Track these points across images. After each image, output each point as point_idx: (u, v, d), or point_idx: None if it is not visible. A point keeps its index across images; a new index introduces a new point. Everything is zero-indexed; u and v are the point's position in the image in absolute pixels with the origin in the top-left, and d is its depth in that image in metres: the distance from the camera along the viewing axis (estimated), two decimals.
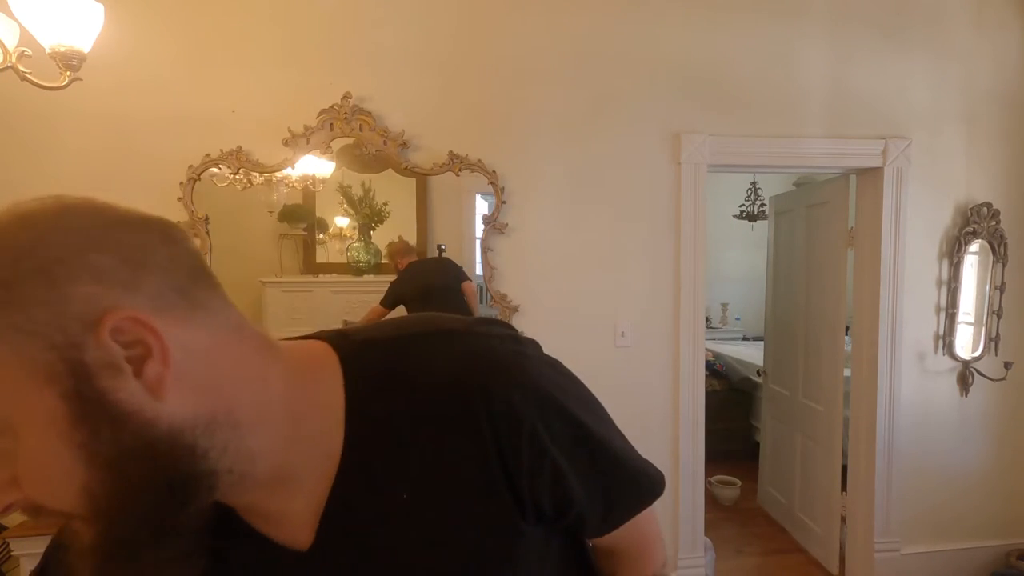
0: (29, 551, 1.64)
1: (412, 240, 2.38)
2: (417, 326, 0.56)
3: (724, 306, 5.77)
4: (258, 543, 0.49)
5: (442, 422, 0.50)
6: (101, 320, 0.37)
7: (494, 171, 2.25)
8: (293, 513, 0.49)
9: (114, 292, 0.38)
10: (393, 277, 2.35)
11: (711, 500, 3.30)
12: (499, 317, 2.30)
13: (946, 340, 2.61)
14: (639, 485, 0.67)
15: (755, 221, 5.16)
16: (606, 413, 0.63)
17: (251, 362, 0.46)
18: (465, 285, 2.35)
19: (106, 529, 0.40)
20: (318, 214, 2.34)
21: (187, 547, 0.43)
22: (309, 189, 2.23)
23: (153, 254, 0.41)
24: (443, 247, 2.39)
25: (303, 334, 0.55)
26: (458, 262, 2.39)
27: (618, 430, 0.66)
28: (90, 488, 0.38)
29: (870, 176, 2.59)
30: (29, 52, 1.33)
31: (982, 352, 2.63)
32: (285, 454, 0.46)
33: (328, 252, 2.38)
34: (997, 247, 2.59)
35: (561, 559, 0.64)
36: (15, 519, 1.72)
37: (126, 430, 0.38)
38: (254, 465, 0.45)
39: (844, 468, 2.76)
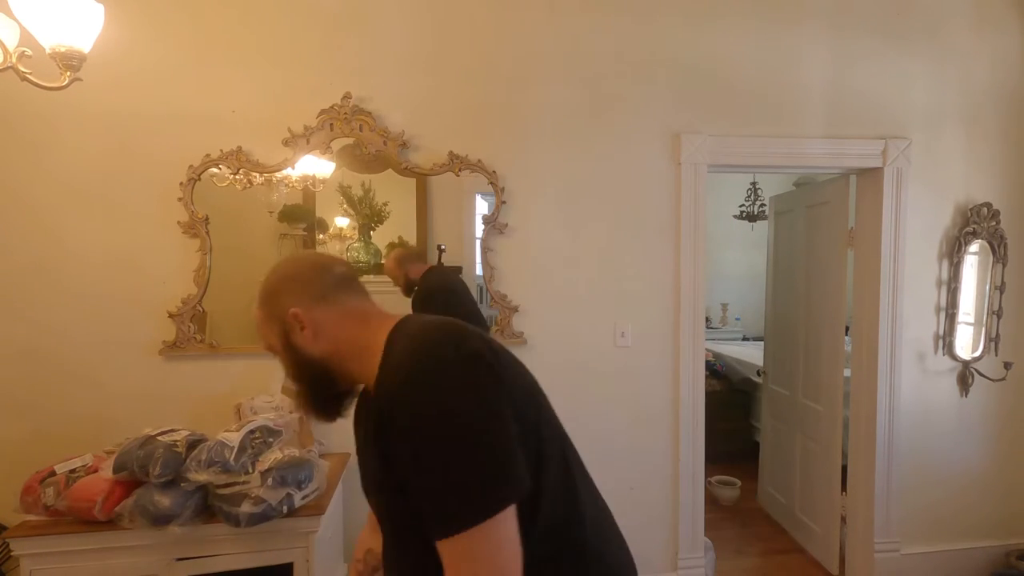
0: (29, 551, 1.65)
1: (412, 240, 2.38)
2: (422, 325, 0.91)
3: (724, 306, 5.77)
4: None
5: (378, 392, 0.87)
6: (289, 311, 0.94)
7: (494, 171, 2.25)
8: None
9: (294, 299, 0.95)
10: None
11: (711, 500, 3.30)
12: (499, 317, 2.31)
13: (946, 340, 2.61)
14: (445, 507, 0.75)
15: (755, 221, 5.16)
16: (477, 436, 0.77)
17: (352, 331, 0.96)
18: None
19: (302, 389, 1.00)
20: (318, 214, 2.34)
21: (333, 408, 1.01)
22: (309, 189, 2.23)
23: (313, 281, 0.97)
24: (443, 247, 2.39)
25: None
26: (458, 262, 2.39)
27: (481, 456, 0.76)
28: (295, 372, 0.98)
29: (870, 176, 2.59)
30: (29, 52, 1.33)
31: (982, 352, 2.63)
32: (361, 375, 0.96)
33: (328, 252, 2.37)
34: (997, 247, 2.59)
35: (427, 551, 0.79)
36: (15, 519, 1.72)
37: (300, 353, 0.96)
38: (352, 377, 0.98)
39: (844, 468, 2.76)
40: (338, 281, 0.99)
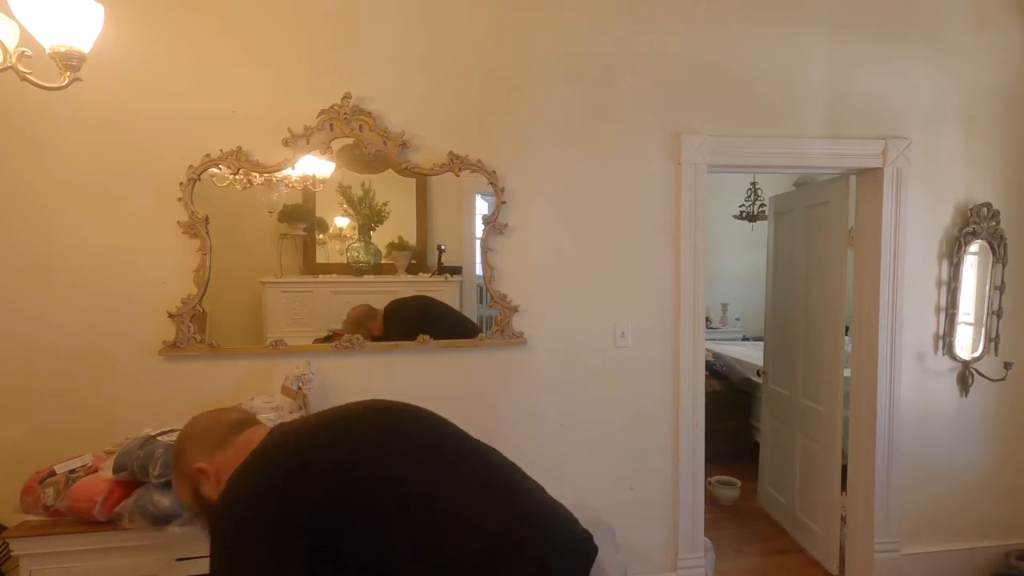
0: (29, 551, 1.65)
1: (412, 240, 2.38)
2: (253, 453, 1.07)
3: (724, 306, 5.77)
4: None
5: None
6: (196, 467, 1.12)
7: (494, 171, 2.25)
8: None
9: (198, 457, 1.12)
10: (391, 278, 2.36)
11: (711, 500, 3.30)
12: (499, 317, 2.31)
13: (946, 340, 2.61)
14: None
15: (755, 221, 5.16)
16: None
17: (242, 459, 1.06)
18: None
19: (204, 518, 1.09)
20: (318, 214, 2.34)
21: None
22: (309, 189, 2.23)
23: (210, 433, 1.15)
24: (443, 247, 2.40)
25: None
26: (458, 262, 2.40)
27: None
28: (199, 510, 1.14)
29: (870, 176, 2.59)
30: (29, 52, 1.32)
31: (982, 352, 2.63)
32: None
33: (328, 252, 2.38)
34: (997, 247, 2.59)
35: None
36: (15, 519, 1.72)
37: (207, 500, 1.10)
38: None
39: (844, 468, 2.76)
40: (232, 426, 1.15)
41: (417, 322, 2.31)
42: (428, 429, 1.13)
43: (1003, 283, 2.61)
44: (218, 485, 1.05)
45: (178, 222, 2.10)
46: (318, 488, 0.95)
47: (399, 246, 2.38)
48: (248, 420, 1.18)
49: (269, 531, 0.92)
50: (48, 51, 1.33)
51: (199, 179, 2.09)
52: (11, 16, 1.32)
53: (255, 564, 0.92)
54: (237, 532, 0.94)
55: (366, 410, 1.14)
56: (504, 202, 2.28)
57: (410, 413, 1.16)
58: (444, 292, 2.37)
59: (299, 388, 2.06)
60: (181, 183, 2.07)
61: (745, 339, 5.54)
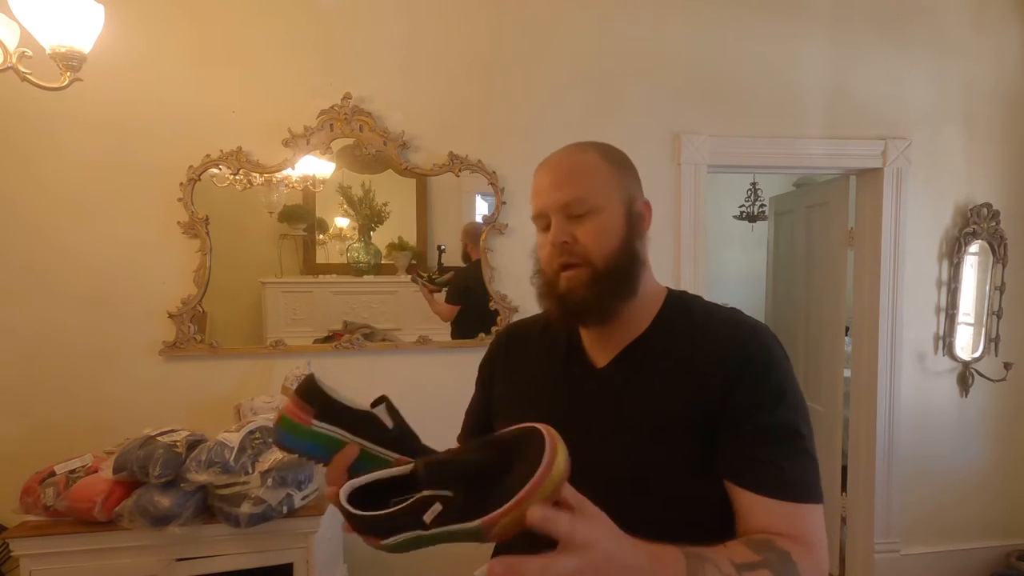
0: (29, 551, 1.64)
1: (412, 240, 2.38)
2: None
3: None
4: (582, 360, 0.95)
5: (698, 344, 0.88)
6: (642, 200, 0.92)
7: (494, 172, 2.25)
8: (611, 345, 0.92)
9: (641, 193, 0.94)
10: (391, 278, 2.36)
11: None
12: (499, 318, 2.30)
13: (946, 341, 2.61)
14: (802, 475, 0.79)
15: (755, 221, 5.15)
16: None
17: (648, 266, 0.92)
18: None
19: (597, 268, 0.85)
20: (318, 214, 2.34)
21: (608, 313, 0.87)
22: (309, 189, 2.23)
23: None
24: (443, 247, 2.40)
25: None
26: (458, 262, 2.40)
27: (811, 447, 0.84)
28: (612, 253, 0.85)
29: (870, 176, 2.59)
30: (29, 52, 1.33)
31: (982, 353, 2.63)
32: (632, 312, 0.90)
33: (328, 253, 2.38)
34: (997, 248, 2.59)
35: (718, 499, 0.82)
36: (15, 519, 1.72)
37: (629, 236, 0.87)
38: (623, 302, 0.87)
39: (844, 468, 2.76)
40: None
41: (469, 281, 2.31)
42: None
43: (1003, 283, 2.61)
44: (642, 241, 0.90)
45: (178, 222, 2.10)
46: None
47: (399, 246, 2.38)
48: None
49: None
50: (48, 51, 1.33)
51: (199, 179, 2.09)
52: (11, 16, 1.33)
53: None
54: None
55: None
56: (504, 202, 2.28)
57: None
58: (445, 292, 2.37)
59: None
60: (181, 183, 2.08)
61: None
